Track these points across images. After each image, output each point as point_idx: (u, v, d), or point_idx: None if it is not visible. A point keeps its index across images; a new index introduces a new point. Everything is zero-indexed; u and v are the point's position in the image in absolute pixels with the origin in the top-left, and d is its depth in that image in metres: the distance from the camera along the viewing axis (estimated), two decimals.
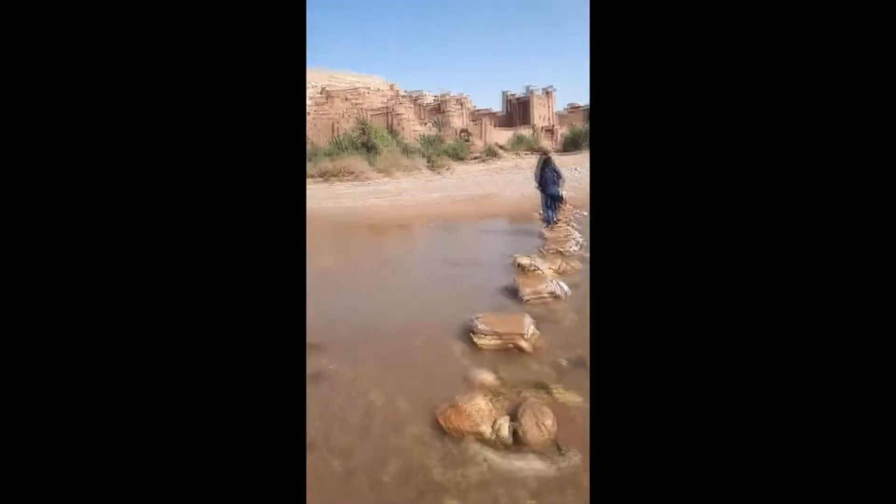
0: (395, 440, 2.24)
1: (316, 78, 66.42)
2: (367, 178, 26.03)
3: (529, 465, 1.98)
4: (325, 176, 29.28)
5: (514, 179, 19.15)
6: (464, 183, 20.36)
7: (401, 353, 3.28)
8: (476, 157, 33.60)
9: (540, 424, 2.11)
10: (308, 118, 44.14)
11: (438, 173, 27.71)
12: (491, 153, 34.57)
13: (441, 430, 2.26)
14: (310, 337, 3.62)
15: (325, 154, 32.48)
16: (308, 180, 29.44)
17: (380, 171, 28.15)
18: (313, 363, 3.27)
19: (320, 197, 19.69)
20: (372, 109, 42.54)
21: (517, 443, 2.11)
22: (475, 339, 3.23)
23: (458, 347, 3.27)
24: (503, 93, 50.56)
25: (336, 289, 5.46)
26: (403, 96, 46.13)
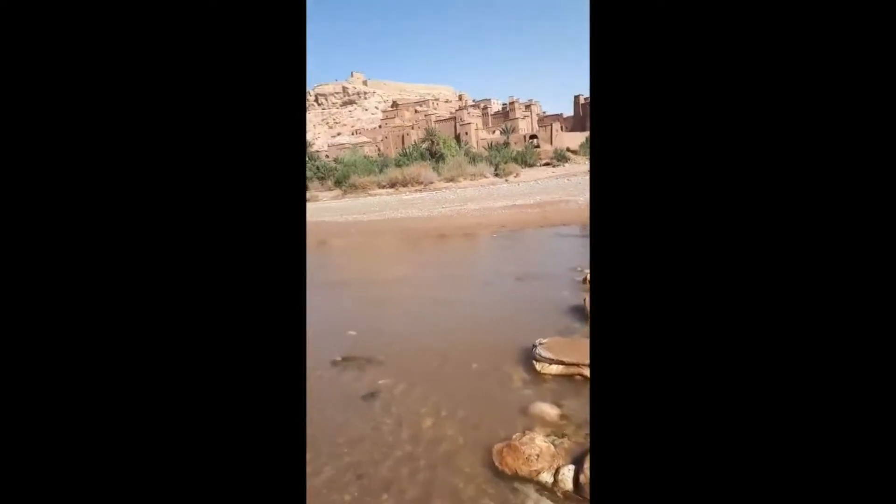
0: (445, 475, 2.08)
1: (387, 91, 69.49)
2: (435, 187, 26.50)
3: None
4: (395, 185, 30.39)
5: (586, 184, 18.25)
6: (531, 189, 19.85)
7: (457, 375, 3.12)
8: (545, 163, 32.77)
9: None
10: (378, 130, 46.23)
11: (505, 180, 27.41)
12: (560, 157, 33.50)
13: (495, 470, 2.05)
14: (371, 352, 3.64)
15: (395, 164, 33.76)
16: (380, 190, 30.80)
17: (447, 179, 28.57)
18: (371, 379, 3.24)
19: (392, 206, 20.39)
20: (440, 119, 43.42)
21: (580, 494, 1.84)
22: (537, 367, 2.98)
23: (518, 374, 3.03)
24: (574, 96, 48.92)
25: (402, 301, 5.47)
26: (471, 105, 46.49)
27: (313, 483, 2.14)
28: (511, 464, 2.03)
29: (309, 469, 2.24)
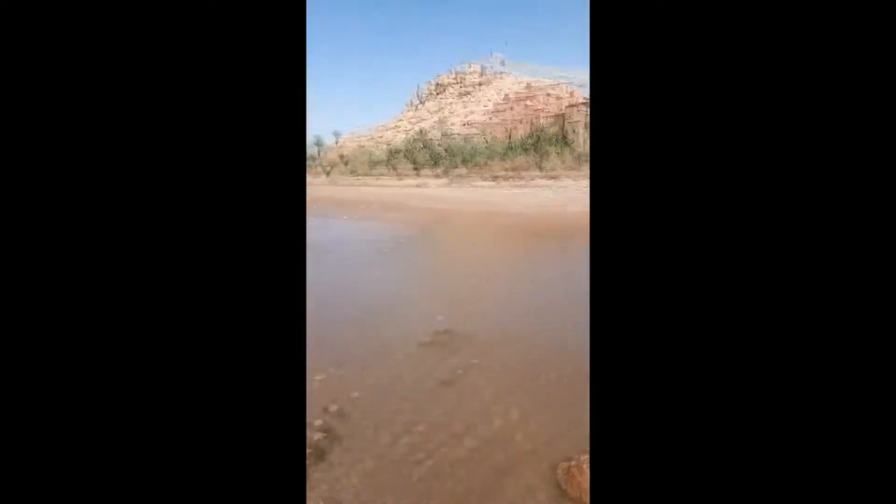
0: (506, 481, 2.11)
1: (503, 83, 69.05)
2: (536, 184, 25.89)
3: None
4: (499, 178, 30.38)
5: None
6: None
7: (534, 381, 3.10)
8: None
9: None
10: (487, 121, 46.33)
11: None
12: None
13: (560, 488, 2.02)
14: (455, 340, 3.76)
15: (501, 157, 33.71)
16: (483, 182, 31.12)
17: (550, 176, 27.70)
18: (451, 367, 3.38)
19: (494, 199, 20.47)
20: (548, 115, 41.98)
21: None
22: None
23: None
24: None
25: (491, 295, 5.54)
26: (581, 102, 43.99)
27: (388, 452, 2.34)
28: (576, 487, 1.98)
29: (386, 440, 2.46)
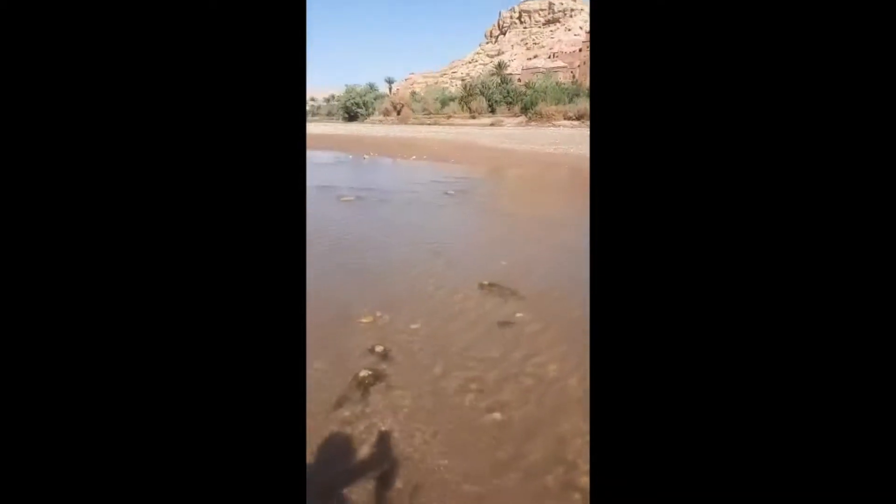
0: (558, 420, 2.13)
1: (573, 22, 61.32)
2: None
3: None
4: (582, 118, 28.06)
5: None
6: None
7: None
8: None
9: None
10: (577, 54, 42.08)
11: None
12: None
13: None
14: (516, 285, 3.76)
15: (587, 94, 30.81)
16: (565, 121, 28.95)
17: None
18: (509, 310, 3.40)
19: (574, 140, 19.12)
20: None
21: None
22: None
23: None
24: None
25: (556, 244, 5.37)
26: None
27: (441, 382, 2.48)
28: None
29: (439, 370, 2.60)
